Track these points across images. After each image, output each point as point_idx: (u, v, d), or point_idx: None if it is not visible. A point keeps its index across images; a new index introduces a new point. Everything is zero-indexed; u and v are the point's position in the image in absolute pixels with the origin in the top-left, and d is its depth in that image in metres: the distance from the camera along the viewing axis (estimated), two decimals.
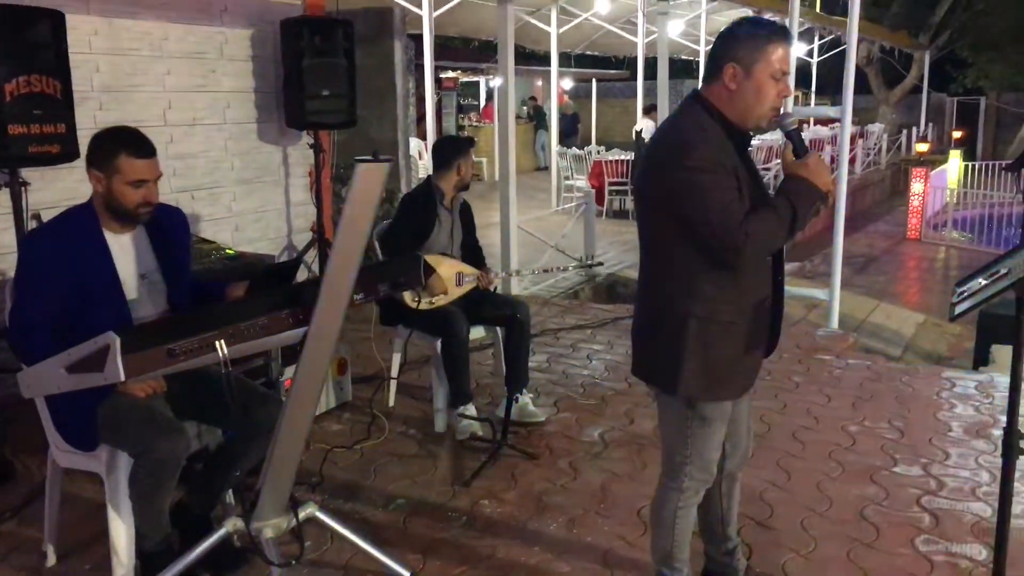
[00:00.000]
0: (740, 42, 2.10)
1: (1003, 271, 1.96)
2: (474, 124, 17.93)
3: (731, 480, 2.51)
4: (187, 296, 2.70)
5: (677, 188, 2.08)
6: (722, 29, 2.21)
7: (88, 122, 4.39)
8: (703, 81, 2.20)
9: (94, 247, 2.49)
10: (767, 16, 14.62)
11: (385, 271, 2.65)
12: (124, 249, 2.55)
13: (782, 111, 2.18)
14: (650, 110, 12.28)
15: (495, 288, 4.23)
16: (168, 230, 2.68)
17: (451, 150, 3.98)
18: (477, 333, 4.08)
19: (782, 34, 2.11)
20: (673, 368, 2.20)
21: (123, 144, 2.45)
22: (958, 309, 2.02)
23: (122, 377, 1.87)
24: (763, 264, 2.20)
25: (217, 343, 2.06)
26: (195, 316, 2.07)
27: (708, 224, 2.04)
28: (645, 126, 11.33)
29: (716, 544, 2.58)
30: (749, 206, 2.08)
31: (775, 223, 2.07)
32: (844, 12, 16.99)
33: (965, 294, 2.04)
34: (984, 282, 2.06)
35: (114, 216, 2.51)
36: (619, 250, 8.93)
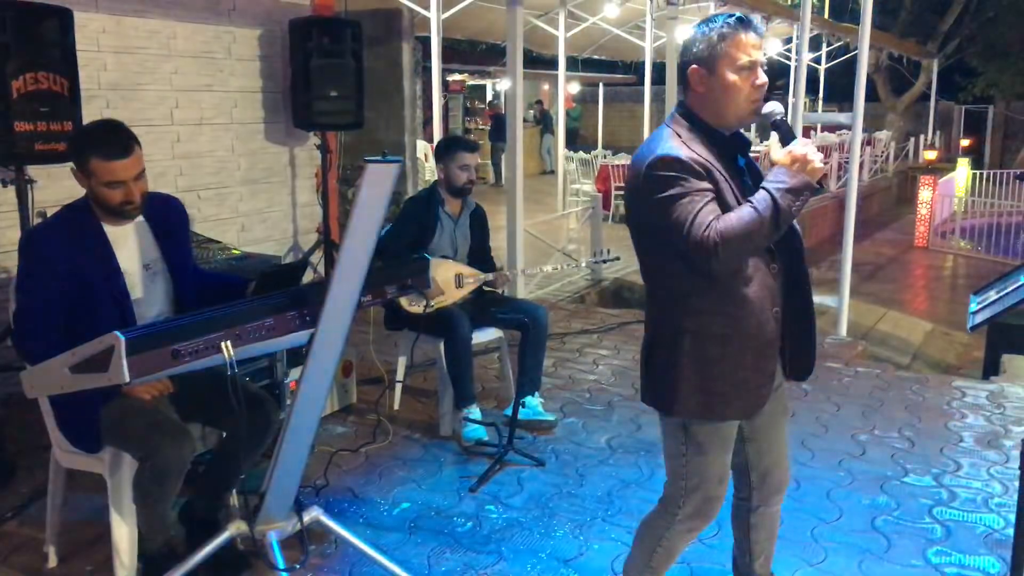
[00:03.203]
0: (696, 43, 2.01)
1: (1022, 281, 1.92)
2: (481, 127, 17.93)
3: (760, 515, 2.33)
4: (192, 288, 2.66)
5: (649, 201, 1.97)
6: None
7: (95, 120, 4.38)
8: (681, 92, 2.11)
9: (94, 240, 2.45)
10: (776, 22, 14.62)
11: (392, 273, 2.62)
12: (125, 240, 2.51)
13: (766, 105, 2.04)
14: None
15: (503, 292, 4.19)
16: (167, 220, 2.64)
17: (440, 149, 3.93)
18: (493, 335, 4.04)
19: (737, 24, 1.97)
20: (668, 387, 2.07)
21: (92, 146, 2.37)
22: (977, 319, 1.97)
23: (127, 378, 1.84)
24: (766, 273, 2.03)
25: (223, 344, 2.04)
26: (200, 317, 2.04)
27: (679, 231, 1.91)
28: None
29: (741, 571, 2.46)
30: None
31: (752, 220, 1.90)
32: (852, 19, 17.01)
33: (983, 304, 1.99)
34: (998, 295, 2.01)
35: (105, 212, 2.47)
36: (626, 254, 8.84)
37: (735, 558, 2.46)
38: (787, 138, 2.02)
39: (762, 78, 2.00)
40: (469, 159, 3.85)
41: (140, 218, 2.55)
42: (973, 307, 2.05)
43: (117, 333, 1.83)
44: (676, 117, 2.08)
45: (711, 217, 1.90)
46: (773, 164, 2.00)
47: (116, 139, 2.39)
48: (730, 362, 2.03)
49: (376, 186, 2.10)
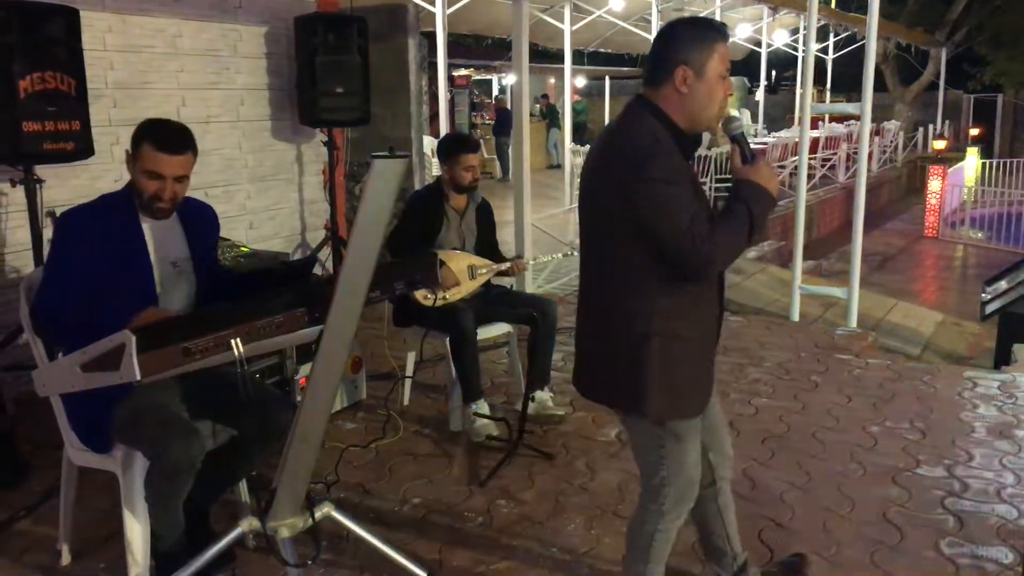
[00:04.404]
0: (689, 43, 2.03)
1: None
2: (487, 122, 17.90)
3: (724, 492, 2.44)
4: (209, 292, 2.69)
5: (639, 202, 1.97)
6: (661, 30, 2.13)
7: (102, 119, 4.39)
8: (647, 84, 2.10)
9: (128, 227, 2.51)
10: (783, 13, 14.53)
11: (401, 269, 2.61)
12: (157, 233, 2.56)
13: (729, 114, 2.13)
14: None
15: (511, 286, 4.19)
16: (200, 224, 2.70)
17: (442, 151, 3.93)
18: (502, 329, 4.04)
19: (724, 33, 2.09)
20: (639, 390, 2.09)
21: (151, 133, 2.46)
22: (988, 309, 1.96)
23: (137, 376, 1.84)
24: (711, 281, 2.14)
25: (233, 341, 2.04)
26: (211, 314, 2.04)
27: (676, 239, 1.94)
28: None
29: (727, 565, 2.50)
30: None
31: (738, 232, 2.00)
32: (859, 9, 16.90)
33: (994, 294, 1.98)
34: (1009, 285, 2.00)
35: (140, 204, 2.51)
36: None
37: (715, 550, 2.51)
38: (746, 152, 2.10)
39: (731, 87, 2.12)
40: (472, 159, 3.84)
41: (175, 216, 2.59)
42: (985, 296, 2.03)
43: (128, 331, 1.83)
44: (647, 116, 2.07)
45: (706, 227, 1.96)
46: (740, 179, 2.08)
47: (174, 136, 2.48)
48: (691, 362, 2.14)
49: (383, 182, 2.09)
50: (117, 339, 1.85)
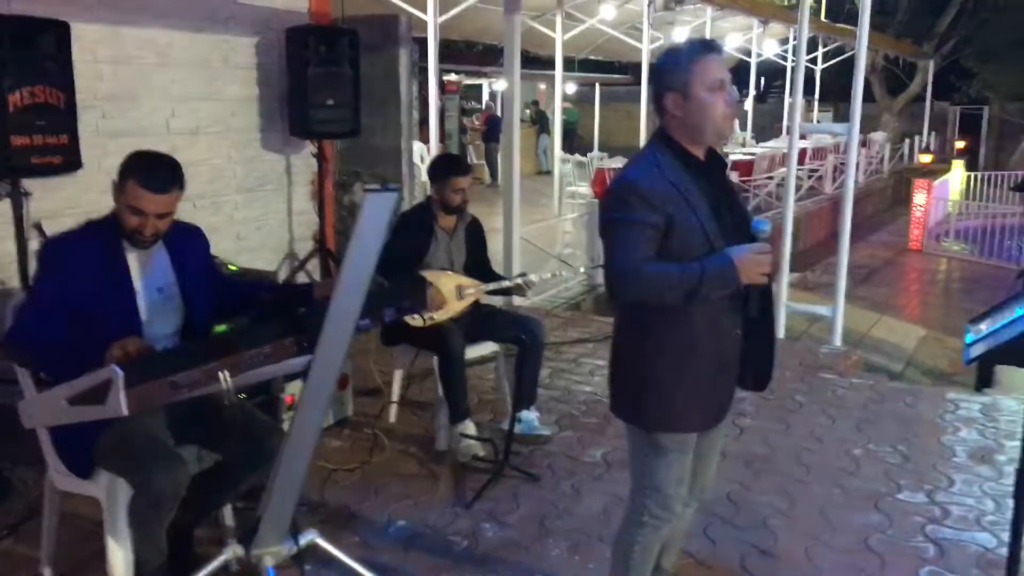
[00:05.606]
0: (667, 72, 2.14)
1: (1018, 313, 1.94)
2: (476, 128, 17.92)
3: (680, 515, 2.41)
4: (210, 314, 2.71)
5: (602, 218, 2.14)
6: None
7: (91, 131, 4.37)
8: (657, 120, 2.23)
9: (113, 256, 2.50)
10: (773, 25, 14.61)
11: (390, 295, 2.62)
12: (142, 261, 2.56)
13: (757, 220, 2.15)
14: None
15: (500, 306, 4.19)
16: (186, 248, 2.68)
17: (432, 172, 3.94)
18: (489, 348, 4.04)
19: (702, 49, 2.11)
20: (631, 398, 2.23)
21: (137, 170, 2.44)
22: (972, 353, 1.98)
23: (124, 411, 1.85)
24: (724, 296, 2.12)
25: (221, 374, 2.04)
26: (197, 347, 2.04)
27: (607, 253, 2.09)
28: None
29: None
30: (682, 242, 2.06)
31: (670, 282, 2.03)
32: (847, 20, 17.01)
33: (978, 337, 2.01)
34: (993, 327, 2.03)
35: (123, 233, 2.50)
36: None
37: None
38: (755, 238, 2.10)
39: (733, 95, 2.13)
40: (462, 182, 3.84)
41: (160, 243, 2.58)
42: (969, 339, 2.06)
43: (114, 367, 1.83)
44: (653, 144, 2.19)
45: (638, 256, 2.03)
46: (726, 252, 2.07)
47: (161, 175, 2.46)
48: (690, 377, 2.16)
49: (375, 216, 2.11)
50: (103, 375, 1.85)
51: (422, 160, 11.31)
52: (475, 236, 4.06)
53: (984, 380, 5.53)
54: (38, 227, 4.17)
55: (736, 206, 2.24)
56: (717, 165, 2.23)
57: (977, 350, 1.98)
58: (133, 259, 2.53)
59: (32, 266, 3.70)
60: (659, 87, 2.14)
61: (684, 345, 2.14)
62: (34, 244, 4.05)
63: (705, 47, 2.12)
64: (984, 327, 2.08)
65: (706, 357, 2.16)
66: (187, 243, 2.69)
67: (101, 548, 2.53)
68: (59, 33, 3.76)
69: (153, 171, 2.45)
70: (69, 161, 3.86)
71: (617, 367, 2.29)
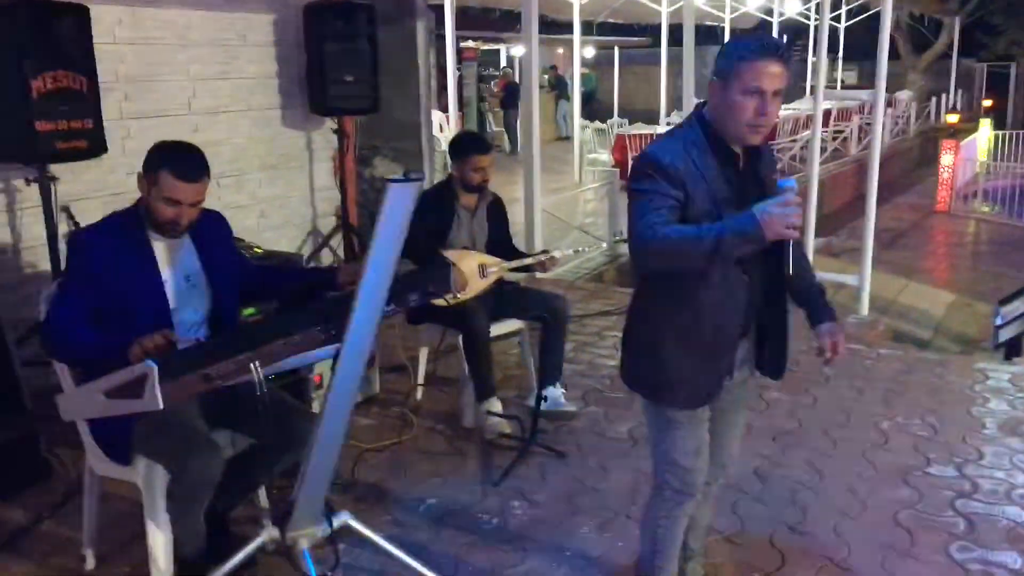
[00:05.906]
0: (721, 56, 2.13)
1: None
2: (495, 95, 17.77)
3: (704, 491, 2.42)
4: (236, 299, 2.74)
5: (628, 196, 2.15)
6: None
7: (114, 113, 4.39)
8: None
9: (139, 248, 2.52)
10: None
11: (415, 280, 2.63)
12: (168, 251, 2.58)
13: (782, 180, 2.08)
14: None
15: (522, 283, 4.18)
16: (210, 235, 2.70)
17: (453, 150, 3.90)
18: (514, 325, 4.05)
19: (759, 51, 2.04)
20: (630, 369, 2.34)
21: (169, 160, 2.46)
22: (1002, 336, 1.96)
23: (160, 405, 1.88)
24: (736, 275, 2.12)
25: (252, 365, 2.07)
26: (230, 338, 2.07)
27: (630, 222, 2.10)
28: None
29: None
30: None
31: (689, 242, 1.97)
32: None
33: (1008, 318, 1.98)
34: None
35: (152, 224, 2.53)
36: None
37: None
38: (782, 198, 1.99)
39: (770, 108, 2.05)
40: (484, 161, 3.80)
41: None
42: (998, 320, 2.03)
43: (149, 362, 1.86)
44: (691, 120, 2.20)
45: (658, 220, 2.02)
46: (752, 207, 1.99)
47: (193, 163, 2.49)
48: (680, 354, 2.20)
49: (399, 205, 2.10)
50: (139, 370, 1.87)
51: (441, 130, 11.27)
52: (497, 214, 4.04)
53: (1013, 349, 5.46)
54: (66, 210, 4.22)
55: (766, 199, 2.12)
56: (754, 155, 2.19)
57: (1006, 333, 1.95)
58: (159, 249, 2.55)
59: (62, 248, 3.75)
60: (714, 65, 2.14)
61: (684, 321, 2.17)
62: (63, 227, 4.10)
63: (762, 49, 2.04)
64: (1015, 306, 2.05)
65: (700, 336, 2.17)
66: (210, 229, 2.71)
67: (141, 530, 2.58)
68: (79, 16, 3.76)
69: (185, 161, 2.47)
70: (94, 145, 3.88)
71: (625, 335, 2.37)
